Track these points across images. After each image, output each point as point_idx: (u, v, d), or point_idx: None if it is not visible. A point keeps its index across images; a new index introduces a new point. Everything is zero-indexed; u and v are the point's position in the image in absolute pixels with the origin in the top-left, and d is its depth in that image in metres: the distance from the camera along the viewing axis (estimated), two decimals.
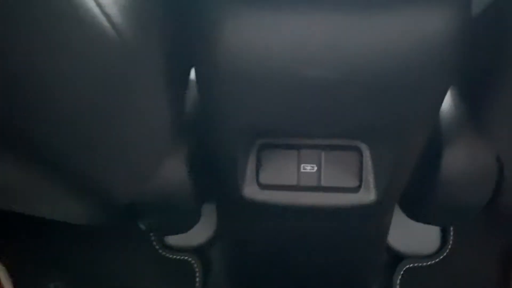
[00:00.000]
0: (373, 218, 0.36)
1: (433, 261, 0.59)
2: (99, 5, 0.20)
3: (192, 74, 0.33)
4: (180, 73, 0.31)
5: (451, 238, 0.59)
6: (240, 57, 0.24)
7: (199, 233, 0.58)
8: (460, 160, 0.33)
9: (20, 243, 0.61)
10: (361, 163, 0.32)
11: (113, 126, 0.26)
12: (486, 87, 0.30)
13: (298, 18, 0.23)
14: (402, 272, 0.58)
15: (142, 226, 0.39)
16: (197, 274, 0.57)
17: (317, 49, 0.23)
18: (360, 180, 0.32)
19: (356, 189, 0.32)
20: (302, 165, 0.32)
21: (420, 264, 0.58)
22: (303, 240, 0.38)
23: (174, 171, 0.32)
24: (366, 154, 0.31)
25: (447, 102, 0.33)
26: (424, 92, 0.25)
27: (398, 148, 0.30)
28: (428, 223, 0.42)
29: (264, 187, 0.32)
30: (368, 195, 0.32)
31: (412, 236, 0.59)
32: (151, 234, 0.59)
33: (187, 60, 0.29)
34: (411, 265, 0.58)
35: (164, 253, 0.59)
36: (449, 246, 0.59)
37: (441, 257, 0.59)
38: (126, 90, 0.25)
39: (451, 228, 0.60)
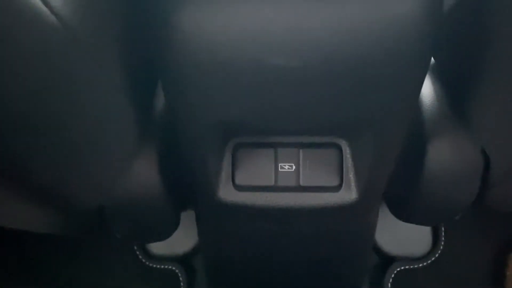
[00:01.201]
0: (356, 218, 0.35)
1: (424, 263, 0.58)
2: None
3: None
4: (146, 71, 0.30)
5: (442, 239, 0.59)
6: (201, 48, 0.23)
7: (183, 242, 0.58)
8: (444, 155, 0.32)
9: None
10: (341, 160, 0.31)
11: (68, 124, 0.25)
12: (469, 79, 0.30)
13: (259, 4, 0.22)
14: (393, 275, 0.57)
15: (117, 234, 0.38)
16: (182, 284, 0.57)
17: (281, 36, 0.22)
18: (341, 179, 0.31)
19: (336, 188, 0.31)
20: (279, 164, 0.31)
21: (411, 266, 0.58)
22: (285, 242, 0.37)
23: (144, 174, 0.31)
24: (346, 151, 0.31)
25: (430, 97, 0.33)
26: (399, 78, 0.24)
27: (378, 143, 0.29)
28: (417, 223, 0.41)
29: (240, 188, 0.32)
30: (349, 194, 0.31)
31: (403, 238, 0.59)
32: (134, 244, 0.58)
33: (153, 60, 0.28)
34: (403, 267, 0.58)
35: (147, 262, 0.58)
36: (441, 248, 0.59)
37: (433, 258, 0.59)
38: (79, 84, 0.24)
39: (442, 230, 0.59)
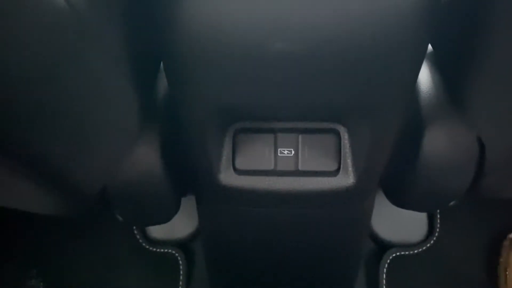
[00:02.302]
0: (353, 202, 0.36)
1: (420, 249, 0.59)
2: None
3: None
4: (149, 57, 0.31)
5: (438, 226, 0.60)
6: (204, 34, 0.23)
7: (183, 226, 0.59)
8: (440, 142, 0.33)
9: None
10: (339, 146, 0.31)
11: (73, 108, 0.25)
12: (466, 69, 0.30)
13: None
14: (388, 261, 0.58)
15: (119, 217, 0.39)
16: (181, 267, 0.57)
17: (282, 21, 0.22)
18: (339, 164, 0.32)
19: (334, 173, 0.32)
20: (279, 149, 0.32)
21: (407, 253, 0.59)
22: (283, 225, 0.38)
23: (145, 158, 0.31)
24: (344, 136, 0.31)
25: (428, 85, 0.33)
26: (397, 66, 0.25)
27: (376, 129, 0.30)
28: (412, 209, 0.42)
29: (240, 172, 0.32)
30: (347, 179, 0.32)
31: (399, 225, 0.60)
32: (134, 227, 0.59)
33: (156, 44, 0.28)
34: (398, 253, 0.59)
35: (147, 246, 0.59)
36: (436, 235, 0.60)
37: (428, 245, 0.59)
38: (84, 67, 0.24)
39: (438, 217, 0.60)
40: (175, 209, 0.38)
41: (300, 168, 0.32)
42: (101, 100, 0.27)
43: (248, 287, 0.48)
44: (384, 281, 0.57)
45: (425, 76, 0.33)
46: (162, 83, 0.33)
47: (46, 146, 0.26)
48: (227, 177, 0.32)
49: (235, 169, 0.32)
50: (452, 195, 0.36)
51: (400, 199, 0.40)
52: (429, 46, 0.35)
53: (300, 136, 0.31)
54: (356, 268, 0.48)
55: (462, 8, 0.30)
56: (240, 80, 0.26)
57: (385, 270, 0.58)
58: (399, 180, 0.37)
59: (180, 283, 0.57)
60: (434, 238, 0.59)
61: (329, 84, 0.26)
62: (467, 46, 0.29)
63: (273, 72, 0.25)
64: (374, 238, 0.59)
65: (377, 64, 0.24)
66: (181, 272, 0.57)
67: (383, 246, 0.59)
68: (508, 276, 0.58)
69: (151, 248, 0.59)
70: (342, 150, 0.31)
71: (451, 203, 0.39)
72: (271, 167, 0.32)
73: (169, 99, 0.32)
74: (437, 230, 0.60)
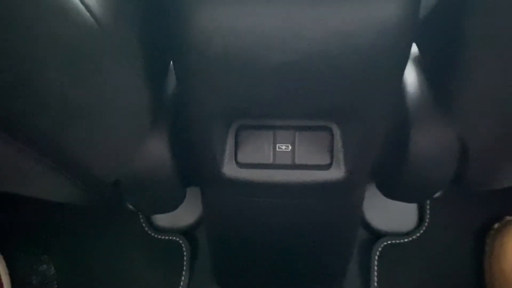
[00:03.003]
0: (344, 194, 0.38)
1: (410, 238, 0.61)
2: None
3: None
4: (160, 58, 0.33)
5: (428, 217, 0.62)
6: (212, 46, 0.25)
7: (187, 215, 0.60)
8: (425, 140, 0.35)
9: (8, 226, 0.62)
10: (332, 142, 0.33)
11: (92, 106, 0.28)
12: (447, 73, 0.32)
13: (263, 9, 0.25)
14: (380, 248, 0.60)
15: (130, 206, 0.41)
16: (185, 254, 0.59)
17: (280, 36, 0.25)
18: (331, 158, 0.34)
19: (327, 166, 0.34)
20: (277, 144, 0.34)
21: (397, 241, 0.61)
22: (281, 214, 0.40)
23: (156, 151, 0.34)
24: (337, 133, 0.33)
25: (414, 88, 0.35)
26: (380, 73, 0.27)
27: (364, 128, 0.32)
28: (401, 200, 0.44)
29: (242, 165, 0.34)
30: (338, 172, 0.34)
31: (390, 215, 0.62)
32: (140, 215, 0.60)
33: (166, 46, 0.31)
34: (389, 242, 0.61)
35: (153, 233, 0.60)
36: (426, 225, 0.61)
37: (418, 234, 0.61)
38: (105, 73, 0.27)
39: (428, 208, 0.62)
40: (182, 198, 0.40)
41: (296, 162, 0.34)
42: (117, 99, 0.29)
43: (248, 271, 0.50)
44: (375, 267, 0.60)
45: (412, 79, 0.36)
46: (171, 84, 0.35)
47: (69, 140, 0.28)
48: (230, 170, 0.34)
49: (237, 162, 0.34)
50: (436, 187, 0.39)
51: (390, 191, 0.42)
52: (417, 50, 0.37)
53: (296, 133, 0.33)
54: (349, 255, 0.49)
55: (444, 17, 0.32)
56: (243, 84, 0.28)
57: (376, 257, 0.60)
58: (389, 174, 0.40)
59: (184, 268, 0.58)
60: (424, 228, 0.61)
61: (322, 89, 0.28)
62: (449, 53, 0.32)
63: (272, 78, 0.27)
64: (367, 227, 0.61)
65: (363, 71, 0.27)
66: (185, 258, 0.59)
67: (375, 235, 0.61)
68: (491, 263, 0.60)
69: (156, 235, 0.60)
70: (334, 146, 0.33)
71: (436, 195, 0.42)
72: (270, 161, 0.34)
73: (178, 99, 0.35)
74: (427, 220, 0.61)
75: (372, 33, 0.25)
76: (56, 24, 0.22)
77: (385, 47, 0.25)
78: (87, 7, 0.23)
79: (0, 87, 0.23)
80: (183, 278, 0.59)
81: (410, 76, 0.36)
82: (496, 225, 0.63)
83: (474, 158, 0.34)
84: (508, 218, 0.63)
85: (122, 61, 0.28)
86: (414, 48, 0.37)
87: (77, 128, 0.28)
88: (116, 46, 0.26)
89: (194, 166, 0.37)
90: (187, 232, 0.60)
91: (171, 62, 0.34)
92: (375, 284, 0.59)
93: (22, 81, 0.23)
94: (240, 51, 0.26)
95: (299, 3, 0.24)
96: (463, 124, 0.33)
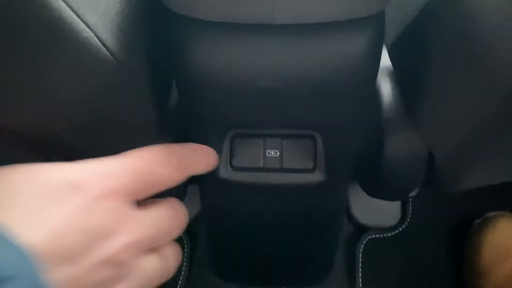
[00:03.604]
0: (327, 194, 0.41)
1: (393, 233, 0.64)
2: (95, 34, 0.25)
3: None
4: (164, 78, 0.36)
5: (410, 212, 0.65)
6: (207, 74, 0.30)
7: (188, 211, 0.63)
8: (398, 147, 0.38)
9: None
10: (315, 148, 0.36)
11: (106, 122, 0.31)
12: (416, 89, 0.36)
13: (252, 42, 0.29)
14: (365, 242, 0.63)
15: None
16: (185, 247, 0.62)
17: (267, 66, 0.29)
18: (315, 162, 0.37)
19: (311, 170, 0.37)
20: (267, 150, 0.36)
21: (381, 235, 0.63)
22: (271, 213, 0.43)
23: None
24: (319, 141, 0.37)
25: (389, 100, 0.38)
26: (351, 95, 0.32)
27: (342, 136, 0.36)
28: (381, 198, 0.48)
29: (236, 169, 0.37)
30: (321, 175, 0.37)
31: (375, 211, 0.64)
32: None
33: (169, 68, 0.34)
34: (373, 236, 0.63)
35: None
36: (408, 220, 0.64)
37: (400, 229, 0.64)
38: (121, 99, 0.30)
39: (410, 204, 0.65)
40: (183, 196, 0.44)
41: (284, 166, 0.36)
42: (127, 116, 0.33)
43: (242, 261, 0.53)
44: (360, 259, 0.62)
45: (388, 91, 0.39)
46: (173, 98, 0.39)
47: (78, 150, 0.32)
48: (226, 173, 0.37)
49: (232, 166, 0.37)
50: (410, 188, 0.42)
51: (370, 190, 0.46)
52: (391, 66, 0.41)
53: (284, 141, 0.36)
54: (334, 247, 0.52)
55: (411, 41, 0.36)
56: (235, 103, 0.32)
57: (361, 250, 0.62)
58: (368, 175, 0.43)
59: (184, 260, 0.61)
60: (406, 223, 0.63)
61: (301, 107, 0.32)
62: (416, 72, 0.35)
63: (259, 99, 0.32)
64: (353, 222, 0.63)
65: (334, 93, 0.31)
66: (185, 249, 0.61)
67: (360, 230, 0.64)
68: (470, 257, 0.63)
69: None
70: (317, 152, 0.36)
71: (411, 194, 0.46)
72: (261, 165, 0.36)
73: (179, 112, 0.38)
74: (409, 215, 0.64)
75: (341, 64, 0.29)
76: (83, 63, 0.25)
77: (353, 74, 0.30)
78: (103, 43, 0.26)
79: (38, 121, 0.26)
80: (183, 268, 0.61)
81: (386, 89, 0.39)
82: (477, 221, 0.65)
83: (441, 164, 0.38)
84: (488, 214, 0.65)
85: (134, 87, 0.31)
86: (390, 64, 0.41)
87: (92, 140, 0.32)
88: (129, 76, 0.29)
89: None
90: (188, 228, 0.63)
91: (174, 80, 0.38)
92: (359, 276, 0.62)
93: (59, 111, 0.27)
94: (230, 79, 0.30)
95: (279, 42, 0.29)
96: (430, 134, 0.36)
